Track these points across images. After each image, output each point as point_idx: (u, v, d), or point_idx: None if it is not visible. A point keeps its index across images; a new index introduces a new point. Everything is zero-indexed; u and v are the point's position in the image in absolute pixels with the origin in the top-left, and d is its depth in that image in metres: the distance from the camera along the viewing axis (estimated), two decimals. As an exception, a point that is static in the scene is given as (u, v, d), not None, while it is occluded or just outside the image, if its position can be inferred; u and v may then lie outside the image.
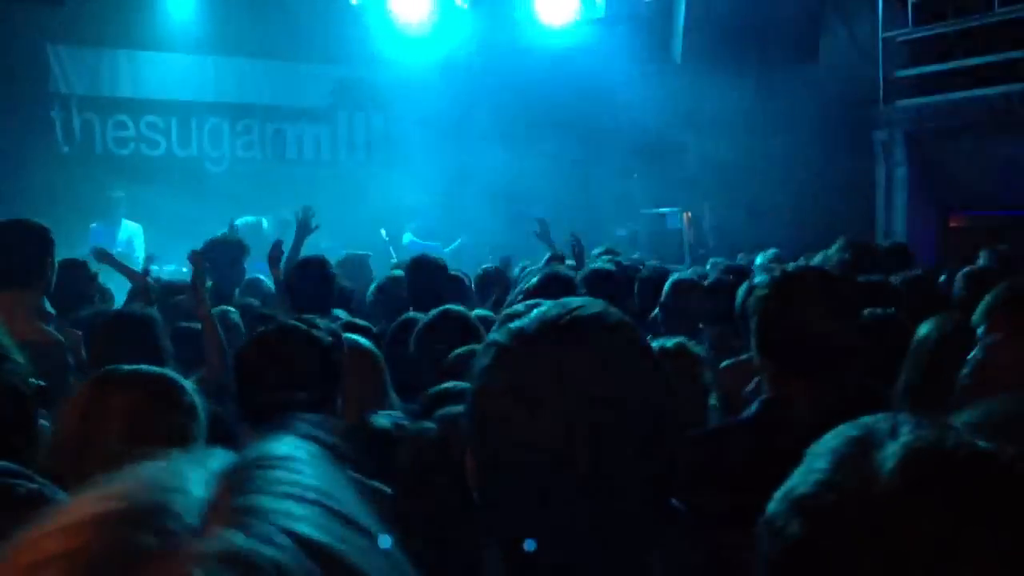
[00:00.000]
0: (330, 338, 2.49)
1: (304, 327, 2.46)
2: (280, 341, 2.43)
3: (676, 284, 4.43)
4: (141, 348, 2.99)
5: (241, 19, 10.57)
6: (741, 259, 6.93)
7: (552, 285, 4.01)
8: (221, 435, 2.20)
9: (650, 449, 1.10)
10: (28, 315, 3.53)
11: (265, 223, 9.82)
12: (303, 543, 0.47)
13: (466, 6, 10.84)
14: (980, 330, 2.14)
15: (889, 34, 9.61)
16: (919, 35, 9.42)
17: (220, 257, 5.26)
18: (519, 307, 1.28)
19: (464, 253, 10.08)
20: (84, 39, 10.25)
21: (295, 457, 0.54)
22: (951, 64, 9.08)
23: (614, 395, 1.09)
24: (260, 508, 0.48)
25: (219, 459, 0.54)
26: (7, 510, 0.76)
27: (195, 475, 0.51)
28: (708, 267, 6.82)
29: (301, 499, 0.50)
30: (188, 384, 2.01)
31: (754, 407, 2.16)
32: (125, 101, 10.77)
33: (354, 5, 10.85)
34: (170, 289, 5.33)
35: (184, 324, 4.13)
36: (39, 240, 3.72)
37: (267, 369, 2.37)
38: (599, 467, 1.07)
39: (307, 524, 0.48)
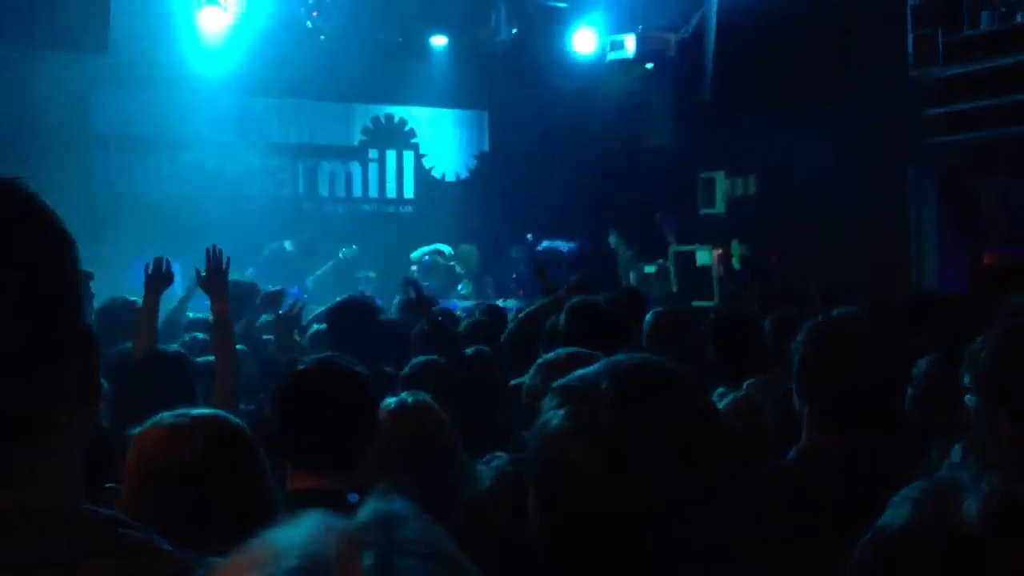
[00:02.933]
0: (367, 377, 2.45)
1: (349, 365, 2.41)
2: (320, 378, 2.37)
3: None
4: (174, 386, 3.02)
5: (275, 59, 10.78)
6: None
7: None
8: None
9: (712, 493, 1.16)
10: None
11: (288, 245, 10.21)
12: None
13: (496, 50, 11.00)
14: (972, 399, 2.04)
15: (919, 72, 9.61)
16: (949, 73, 9.41)
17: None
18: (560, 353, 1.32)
19: (485, 286, 10.21)
20: (123, 80, 10.49)
21: (404, 515, 0.58)
22: (982, 102, 9.06)
23: (679, 441, 1.14)
24: (388, 567, 0.53)
25: (333, 520, 0.58)
26: (123, 558, 0.82)
27: (322, 538, 0.56)
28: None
29: (421, 555, 0.55)
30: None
31: (792, 453, 2.15)
32: (163, 140, 10.99)
33: (384, 46, 11.02)
34: (195, 325, 5.42)
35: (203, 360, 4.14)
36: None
37: (311, 410, 2.31)
38: (663, 510, 1.12)
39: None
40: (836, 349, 2.09)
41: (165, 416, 1.87)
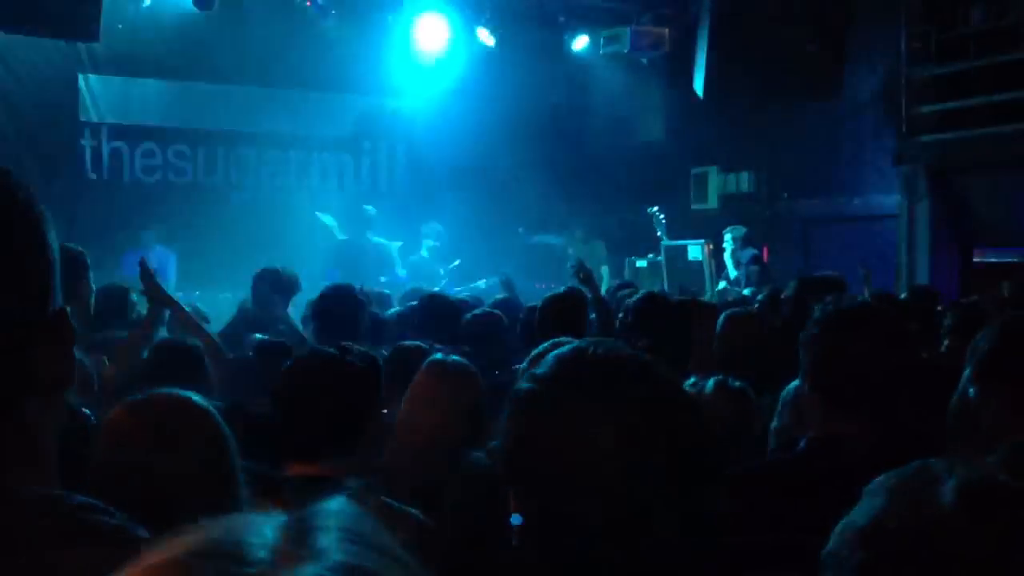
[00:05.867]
0: (365, 365, 2.43)
1: (338, 355, 2.39)
2: (313, 371, 2.36)
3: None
4: (186, 377, 3.01)
5: (267, 50, 10.73)
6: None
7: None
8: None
9: (687, 486, 1.15)
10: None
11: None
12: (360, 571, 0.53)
13: (492, 42, 10.96)
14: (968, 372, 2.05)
15: (912, 70, 9.62)
16: (942, 71, 9.43)
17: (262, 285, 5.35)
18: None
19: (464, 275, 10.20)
20: (115, 69, 10.42)
21: (345, 510, 0.58)
22: (975, 100, 9.08)
23: (651, 433, 1.13)
24: (321, 550, 0.54)
25: (280, 515, 0.58)
26: (96, 546, 0.80)
27: (264, 525, 0.56)
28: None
29: (355, 542, 0.56)
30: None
31: (802, 444, 2.12)
32: (153, 129, 10.93)
33: (378, 36, 10.97)
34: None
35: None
36: (72, 264, 3.78)
37: (300, 401, 2.31)
38: (637, 503, 1.11)
39: (362, 559, 0.54)
40: (850, 338, 2.06)
41: (127, 399, 1.87)
